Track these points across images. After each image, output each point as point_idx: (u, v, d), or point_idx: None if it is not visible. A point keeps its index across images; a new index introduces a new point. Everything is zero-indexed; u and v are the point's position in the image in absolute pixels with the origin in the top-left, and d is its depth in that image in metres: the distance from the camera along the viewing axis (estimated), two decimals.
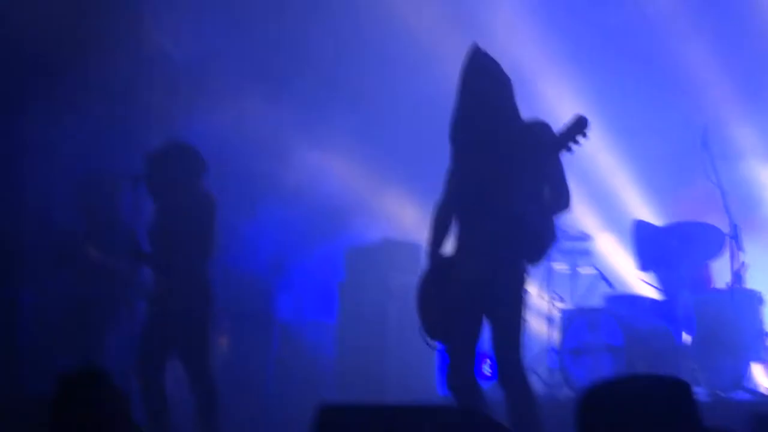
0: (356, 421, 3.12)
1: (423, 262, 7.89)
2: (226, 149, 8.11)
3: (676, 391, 2.38)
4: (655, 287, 7.77)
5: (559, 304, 7.93)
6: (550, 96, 7.79)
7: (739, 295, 7.09)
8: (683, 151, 8.05)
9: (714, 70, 8.58)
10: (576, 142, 4.44)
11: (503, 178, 4.66)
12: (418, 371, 8.07)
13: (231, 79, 8.84)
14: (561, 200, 4.69)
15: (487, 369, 7.05)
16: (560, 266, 8.07)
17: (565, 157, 4.60)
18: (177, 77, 9.26)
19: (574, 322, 7.42)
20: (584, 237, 8.12)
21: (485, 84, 4.78)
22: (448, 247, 4.98)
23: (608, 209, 8.86)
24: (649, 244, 7.82)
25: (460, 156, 4.90)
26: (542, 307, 7.85)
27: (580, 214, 8.28)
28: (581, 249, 8.13)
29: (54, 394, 3.19)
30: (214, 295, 6.14)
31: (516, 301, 4.70)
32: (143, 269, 6.53)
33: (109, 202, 7.24)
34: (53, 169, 7.93)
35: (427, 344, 4.90)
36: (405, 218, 8.83)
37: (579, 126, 4.43)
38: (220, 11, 8.88)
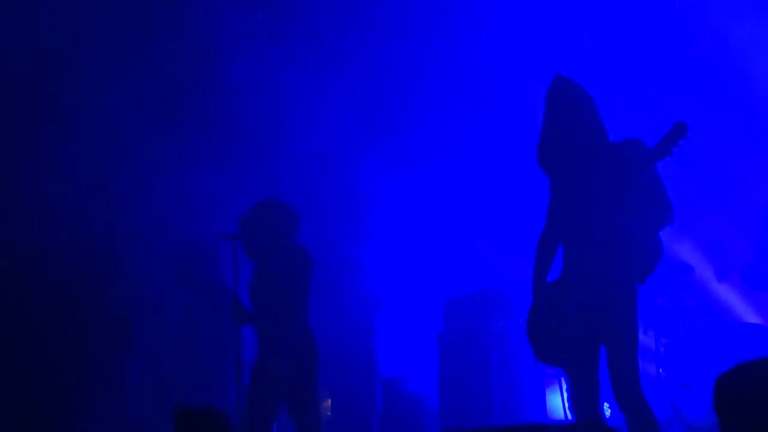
0: None
1: (523, 302, 8.06)
2: (316, 207, 8.19)
3: None
4: None
5: (664, 339, 7.78)
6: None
7: None
8: None
9: None
10: (677, 146, 4.44)
11: (602, 198, 4.64)
12: (524, 418, 7.97)
13: (319, 142, 8.95)
14: (664, 214, 4.65)
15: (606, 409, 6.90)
16: (662, 299, 7.94)
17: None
18: (267, 146, 9.44)
19: (680, 355, 7.27)
20: (686, 268, 7.98)
21: (569, 105, 4.78)
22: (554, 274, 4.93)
23: (705, 238, 8.70)
24: None
25: (554, 182, 4.90)
26: (646, 342, 7.71)
27: (680, 245, 8.15)
28: (683, 281, 8.00)
29: (176, 428, 3.21)
30: (319, 348, 6.16)
31: (630, 322, 4.63)
32: (246, 327, 6.61)
33: (209, 265, 7.37)
34: (148, 239, 8.09)
35: (540, 370, 4.86)
36: (500, 266, 8.82)
37: (679, 131, 4.42)
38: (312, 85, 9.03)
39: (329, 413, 8.78)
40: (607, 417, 4.70)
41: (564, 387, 4.90)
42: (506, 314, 8.19)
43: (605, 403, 6.78)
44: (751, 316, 7.84)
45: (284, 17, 9.05)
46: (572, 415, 4.72)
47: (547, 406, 7.95)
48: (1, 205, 7.44)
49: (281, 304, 6.09)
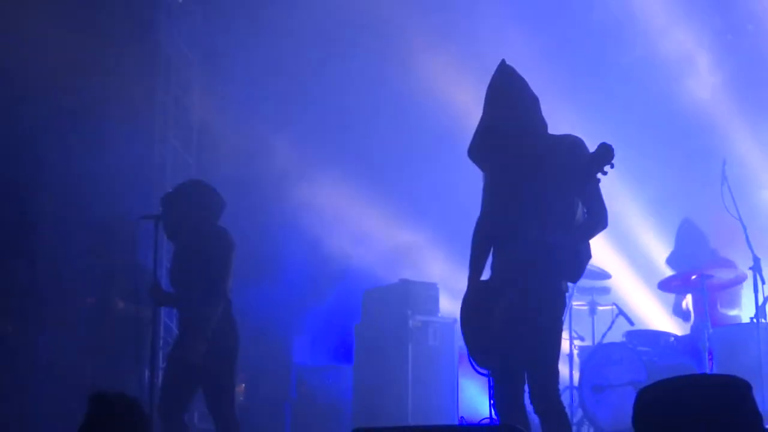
0: None
1: (442, 298, 8.06)
2: (241, 195, 8.10)
3: (735, 390, 2.34)
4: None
5: (579, 342, 7.87)
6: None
7: (763, 329, 7.00)
8: (702, 185, 8.04)
9: (729, 103, 8.61)
10: (603, 172, 4.39)
11: (534, 197, 4.56)
12: (436, 412, 7.98)
13: (249, 128, 8.84)
14: (598, 219, 4.56)
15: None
16: (579, 303, 8.02)
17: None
18: (192, 125, 9.30)
19: (594, 359, 7.36)
20: (603, 274, 8.07)
21: (510, 101, 4.67)
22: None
23: (625, 246, 8.83)
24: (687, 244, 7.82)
25: (488, 175, 4.80)
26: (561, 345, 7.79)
27: (598, 251, 8.24)
28: (600, 286, 8.09)
29: (89, 413, 3.15)
30: (239, 331, 6.08)
31: (553, 327, 4.58)
32: (165, 308, 6.50)
33: (129, 244, 7.23)
34: (69, 214, 7.89)
35: (478, 373, 4.78)
36: (420, 259, 8.82)
37: (606, 155, 4.36)
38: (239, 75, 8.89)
39: (242, 398, 8.72)
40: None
41: (490, 387, 4.80)
42: (425, 308, 8.13)
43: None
44: (662, 323, 7.98)
45: None
46: (497, 417, 4.69)
47: (461, 407, 7.97)
48: None
49: (201, 287, 5.99)
